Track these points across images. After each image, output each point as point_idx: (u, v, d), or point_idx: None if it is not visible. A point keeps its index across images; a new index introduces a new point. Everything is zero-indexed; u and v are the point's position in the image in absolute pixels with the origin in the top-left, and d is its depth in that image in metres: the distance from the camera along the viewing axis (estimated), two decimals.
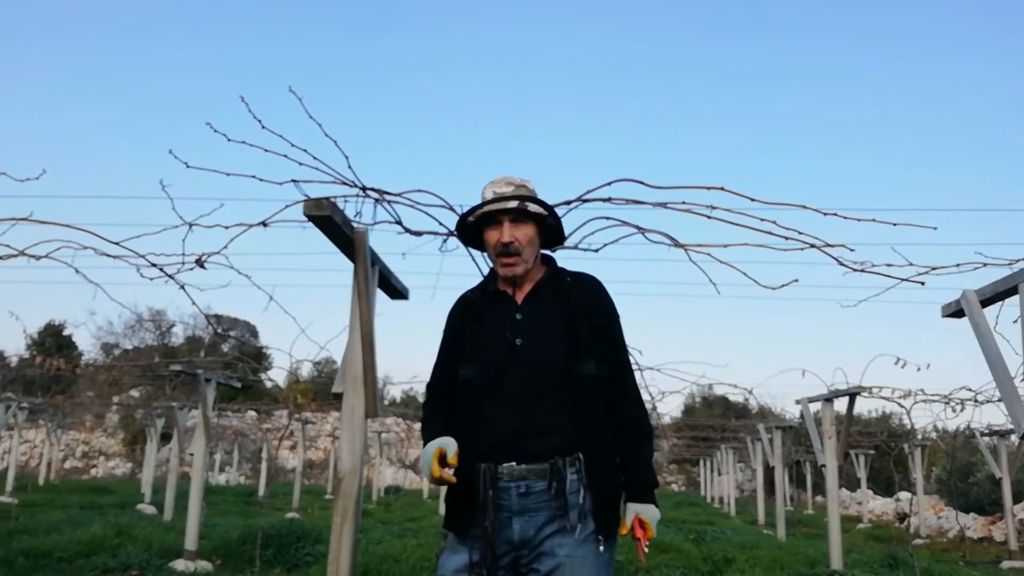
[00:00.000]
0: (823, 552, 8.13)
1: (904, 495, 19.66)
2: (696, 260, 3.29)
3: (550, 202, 2.16)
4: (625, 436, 2.02)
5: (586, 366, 1.98)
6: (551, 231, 2.20)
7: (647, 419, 2.07)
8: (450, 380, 2.12)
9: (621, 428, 2.02)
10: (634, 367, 2.35)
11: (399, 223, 3.32)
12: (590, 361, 1.99)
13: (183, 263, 3.48)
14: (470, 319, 2.14)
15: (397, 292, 3.71)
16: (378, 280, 3.37)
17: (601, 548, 1.92)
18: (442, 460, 1.94)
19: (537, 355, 2.00)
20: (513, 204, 2.07)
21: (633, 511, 1.94)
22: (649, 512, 1.96)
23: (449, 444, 1.96)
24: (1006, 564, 10.26)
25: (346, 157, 3.16)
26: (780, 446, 12.56)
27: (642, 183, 3.12)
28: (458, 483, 1.96)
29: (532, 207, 2.08)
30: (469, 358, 2.07)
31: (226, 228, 3.36)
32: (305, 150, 3.14)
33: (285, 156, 3.14)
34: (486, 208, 2.09)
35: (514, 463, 1.92)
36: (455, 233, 2.27)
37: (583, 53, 63.89)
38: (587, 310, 2.07)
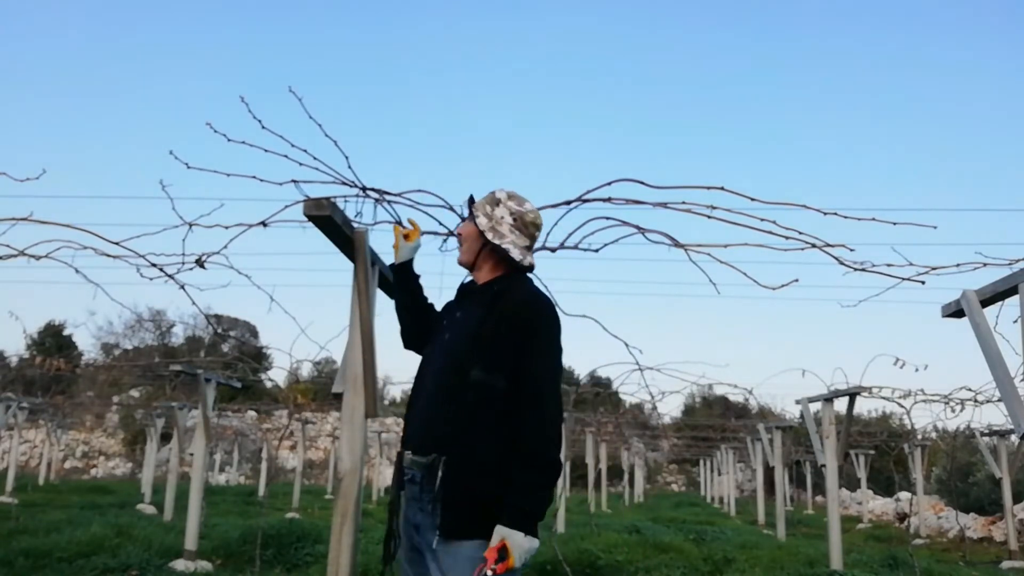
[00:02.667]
0: (823, 552, 8.13)
1: (904, 495, 19.66)
2: (696, 260, 3.29)
3: (550, 203, 2.19)
4: (513, 456, 1.95)
5: (476, 372, 2.01)
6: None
7: (543, 446, 1.95)
8: (431, 315, 2.43)
9: (513, 447, 1.96)
10: (633, 367, 2.40)
11: (399, 223, 3.32)
12: (481, 368, 2.01)
13: (183, 263, 3.48)
14: (451, 304, 2.37)
15: None
16: (378, 280, 3.38)
17: (441, 537, 1.94)
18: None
19: (449, 353, 2.11)
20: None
21: (499, 534, 1.88)
22: (514, 539, 1.86)
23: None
24: (1006, 564, 10.27)
25: (346, 157, 3.17)
26: (780, 446, 12.57)
27: (642, 183, 3.13)
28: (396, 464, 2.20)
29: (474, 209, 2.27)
30: (427, 342, 2.29)
31: (226, 228, 3.36)
32: (305, 150, 3.14)
33: (285, 156, 3.14)
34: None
35: (409, 452, 2.08)
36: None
37: (584, 53, 63.96)
38: (501, 319, 2.06)
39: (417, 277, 2.51)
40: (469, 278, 2.37)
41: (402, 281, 2.49)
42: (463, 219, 2.30)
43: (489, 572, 1.84)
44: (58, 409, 19.99)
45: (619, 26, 62.92)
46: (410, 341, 2.46)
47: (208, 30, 59.71)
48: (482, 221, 2.21)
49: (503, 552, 1.86)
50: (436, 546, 1.95)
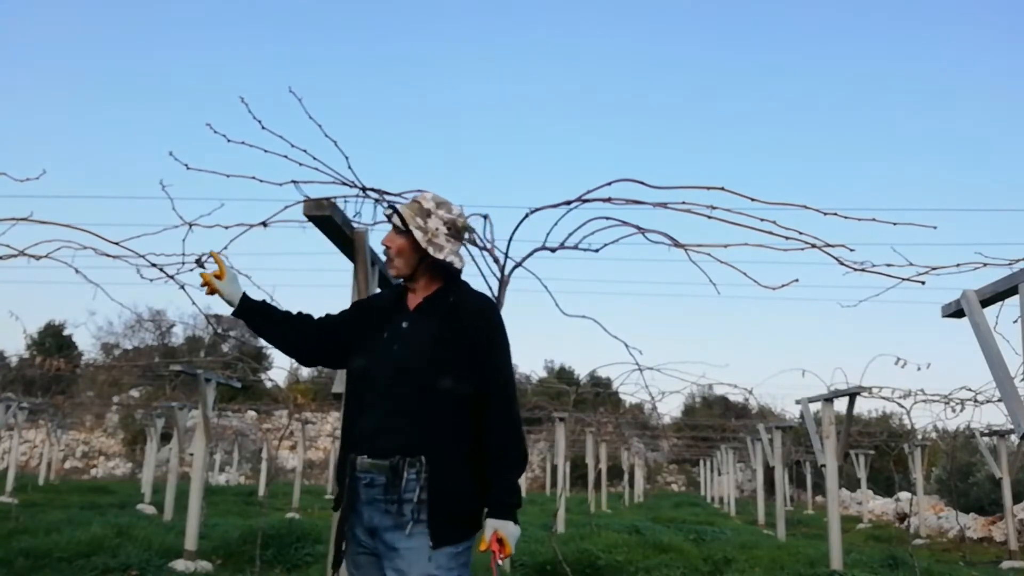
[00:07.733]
0: (823, 552, 8.13)
1: (904, 495, 19.66)
2: (696, 260, 3.29)
3: (550, 203, 2.18)
4: (490, 457, 2.10)
5: (444, 382, 2.10)
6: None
7: (516, 443, 2.14)
8: (323, 322, 2.38)
9: (488, 449, 2.11)
10: (633, 367, 2.41)
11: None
12: (449, 377, 2.10)
13: (183, 263, 3.48)
14: (378, 311, 2.32)
15: None
16: (378, 280, 3.38)
17: (432, 546, 2.01)
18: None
19: (405, 364, 2.15)
20: (390, 212, 2.28)
21: (492, 527, 2.04)
22: (507, 528, 2.04)
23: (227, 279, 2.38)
24: (1006, 564, 10.27)
25: (346, 157, 3.17)
26: (780, 446, 12.58)
27: (642, 183, 3.13)
28: (340, 469, 2.22)
29: (395, 220, 2.24)
30: (361, 350, 2.25)
31: (226, 228, 3.37)
32: (305, 150, 3.15)
33: (285, 156, 3.14)
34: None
35: (365, 456, 2.12)
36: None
37: (583, 52, 63.93)
38: (463, 328, 2.16)
39: (263, 302, 2.42)
40: (401, 282, 2.38)
41: (256, 317, 2.39)
42: (395, 227, 2.27)
43: (500, 561, 2.02)
44: (58, 409, 19.98)
45: (619, 26, 62.96)
46: (308, 358, 2.45)
47: (208, 30, 59.75)
48: (419, 236, 2.20)
49: (500, 542, 2.04)
50: (399, 544, 2.02)
